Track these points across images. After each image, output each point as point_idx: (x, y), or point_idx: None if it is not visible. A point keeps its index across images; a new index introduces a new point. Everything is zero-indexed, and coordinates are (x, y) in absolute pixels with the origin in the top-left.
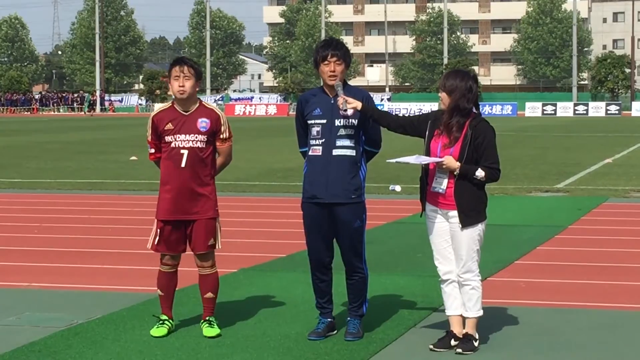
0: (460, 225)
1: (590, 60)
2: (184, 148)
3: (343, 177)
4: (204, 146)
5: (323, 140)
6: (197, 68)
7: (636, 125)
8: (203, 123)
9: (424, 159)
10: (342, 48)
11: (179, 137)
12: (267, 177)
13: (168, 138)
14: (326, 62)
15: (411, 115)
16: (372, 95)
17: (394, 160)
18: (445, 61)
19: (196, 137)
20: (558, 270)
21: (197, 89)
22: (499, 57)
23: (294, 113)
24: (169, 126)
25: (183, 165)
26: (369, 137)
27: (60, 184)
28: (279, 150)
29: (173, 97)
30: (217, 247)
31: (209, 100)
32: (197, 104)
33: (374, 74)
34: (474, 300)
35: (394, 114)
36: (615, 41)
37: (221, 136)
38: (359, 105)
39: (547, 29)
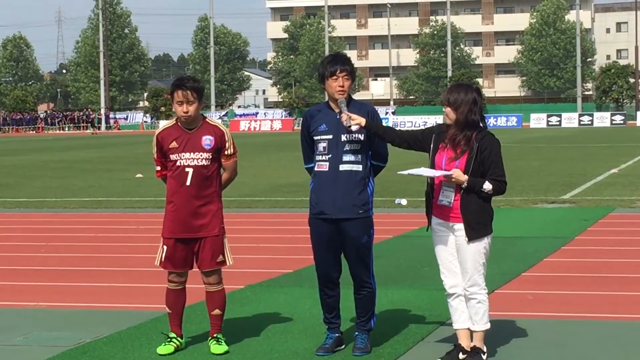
0: (467, 239)
1: (594, 71)
2: (188, 166)
3: (350, 192)
4: (209, 164)
5: (330, 155)
6: (199, 88)
7: None
8: (207, 140)
9: (434, 172)
10: (350, 63)
11: (183, 156)
12: (273, 193)
13: (173, 157)
14: (335, 77)
15: (415, 129)
16: (376, 109)
17: (405, 172)
18: (450, 74)
19: (201, 155)
20: (565, 281)
21: (201, 108)
22: (503, 69)
23: (299, 128)
24: (174, 144)
25: (188, 183)
26: (375, 151)
27: (67, 202)
28: (285, 166)
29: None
30: (228, 263)
31: (213, 116)
32: (201, 122)
33: (379, 88)
34: (481, 313)
35: (397, 129)
36: (619, 51)
37: (226, 152)
38: (362, 121)
39: (550, 40)
